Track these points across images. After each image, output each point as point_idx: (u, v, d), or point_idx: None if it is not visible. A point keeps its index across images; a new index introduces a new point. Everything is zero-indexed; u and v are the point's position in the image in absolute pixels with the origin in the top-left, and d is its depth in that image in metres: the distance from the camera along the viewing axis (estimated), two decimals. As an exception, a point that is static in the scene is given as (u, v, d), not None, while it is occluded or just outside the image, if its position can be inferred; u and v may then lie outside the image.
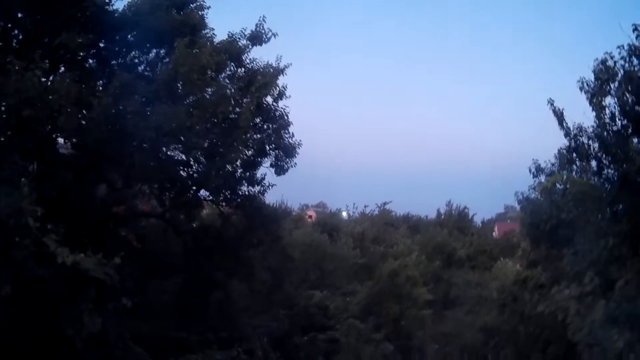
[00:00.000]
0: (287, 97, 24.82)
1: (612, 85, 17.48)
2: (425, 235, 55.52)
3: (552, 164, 20.98)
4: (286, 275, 30.82)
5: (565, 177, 19.36)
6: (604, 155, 18.78)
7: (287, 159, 25.16)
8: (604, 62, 17.29)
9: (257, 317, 27.06)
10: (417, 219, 67.53)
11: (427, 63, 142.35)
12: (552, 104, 19.43)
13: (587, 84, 17.83)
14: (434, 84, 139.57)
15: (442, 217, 66.37)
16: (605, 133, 18.09)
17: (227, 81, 23.75)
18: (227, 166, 23.39)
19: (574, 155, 19.73)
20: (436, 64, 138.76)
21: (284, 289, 30.31)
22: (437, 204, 69.36)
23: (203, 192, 25.09)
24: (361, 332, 29.76)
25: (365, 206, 58.52)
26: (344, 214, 61.69)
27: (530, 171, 20.52)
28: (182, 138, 21.20)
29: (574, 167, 20.08)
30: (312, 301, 32.72)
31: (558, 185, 20.40)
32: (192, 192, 24.49)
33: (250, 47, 24.07)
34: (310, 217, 58.89)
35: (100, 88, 20.99)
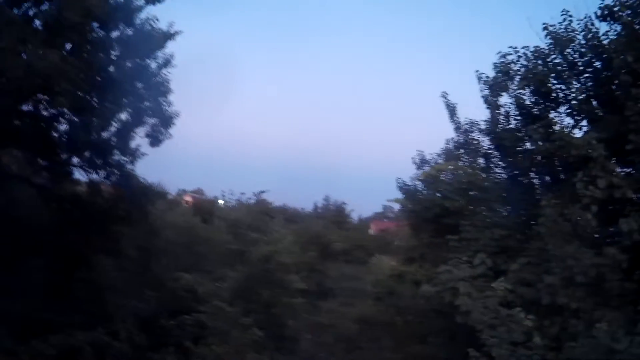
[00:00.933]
0: (173, 65, 23.91)
1: (509, 83, 17.20)
2: (301, 226, 55.02)
3: (439, 155, 20.79)
4: (156, 255, 29.44)
5: (452, 167, 19.19)
6: (494, 153, 18.75)
7: (164, 130, 23.94)
8: (506, 55, 16.97)
9: (124, 297, 25.26)
10: (293, 211, 67.03)
11: (319, 53, 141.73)
12: (445, 97, 19.29)
13: (486, 77, 17.48)
14: (320, 78, 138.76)
15: (319, 210, 66.45)
16: (498, 130, 17.87)
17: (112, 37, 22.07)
18: (100, 130, 21.81)
19: (462, 150, 19.66)
20: (329, 55, 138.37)
21: (153, 269, 28.78)
22: (315, 198, 69.17)
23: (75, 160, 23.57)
24: (229, 316, 28.51)
25: (241, 193, 57.37)
26: (221, 201, 60.45)
27: (414, 162, 20.24)
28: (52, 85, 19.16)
29: (460, 162, 20.06)
30: (181, 283, 31.23)
31: (443, 177, 20.27)
32: (63, 156, 22.62)
33: (144, 5, 22.56)
34: (187, 202, 57.85)
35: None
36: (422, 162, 20.86)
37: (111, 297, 24.21)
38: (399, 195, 21.54)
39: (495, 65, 17.10)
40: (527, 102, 16.96)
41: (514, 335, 12.33)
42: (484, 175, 19.23)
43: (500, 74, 17.07)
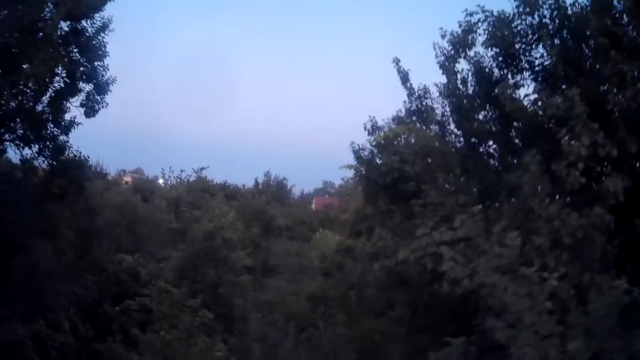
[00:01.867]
0: (110, 30, 22.11)
1: (473, 41, 16.59)
2: (242, 202, 53.57)
3: (392, 120, 19.62)
4: (95, 237, 27.39)
5: (409, 131, 18.00)
6: (449, 119, 18.19)
7: (100, 98, 22.14)
8: (472, 14, 16.25)
9: (63, 283, 23.19)
10: (234, 188, 65.38)
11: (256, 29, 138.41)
12: (397, 63, 18.32)
13: (451, 34, 16.70)
14: (263, 50, 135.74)
15: (260, 186, 65.17)
16: (454, 97, 17.39)
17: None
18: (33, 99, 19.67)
19: (414, 117, 18.85)
20: (263, 27, 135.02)
21: (93, 252, 26.80)
22: (255, 175, 67.66)
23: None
24: (175, 298, 26.79)
25: (181, 171, 55.68)
26: (161, 181, 58.84)
27: (365, 128, 19.13)
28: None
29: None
30: (122, 266, 29.27)
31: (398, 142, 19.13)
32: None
33: None
34: (127, 182, 56.26)
35: None
36: (374, 129, 19.51)
37: (50, 284, 22.07)
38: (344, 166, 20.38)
39: (460, 24, 16.42)
40: (488, 66, 16.58)
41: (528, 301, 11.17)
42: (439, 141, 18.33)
43: (465, 32, 16.40)
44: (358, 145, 19.35)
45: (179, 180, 55.93)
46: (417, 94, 18.60)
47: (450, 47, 16.94)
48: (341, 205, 56.72)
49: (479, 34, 16.34)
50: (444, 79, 17.59)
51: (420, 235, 13.44)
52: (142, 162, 67.59)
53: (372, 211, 20.95)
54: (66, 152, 22.36)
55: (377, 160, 18.72)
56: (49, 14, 19.36)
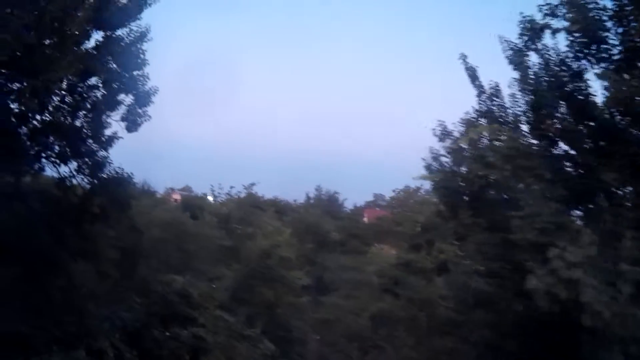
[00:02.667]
0: (148, 39, 20.74)
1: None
2: (295, 217, 52.23)
3: (462, 123, 17.87)
4: (141, 257, 25.90)
5: (493, 130, 16.17)
6: (523, 118, 16.58)
7: (141, 111, 20.84)
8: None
9: (107, 306, 21.76)
10: (285, 203, 64.11)
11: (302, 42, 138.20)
12: (464, 60, 17.27)
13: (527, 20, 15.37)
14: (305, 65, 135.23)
15: (312, 201, 63.81)
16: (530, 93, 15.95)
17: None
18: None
19: (484, 119, 17.05)
20: (312, 42, 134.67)
21: (139, 272, 25.26)
22: (306, 189, 66.25)
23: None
24: (232, 327, 25.14)
25: (231, 187, 54.48)
26: (210, 198, 57.84)
27: (434, 134, 17.38)
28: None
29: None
30: (173, 287, 27.68)
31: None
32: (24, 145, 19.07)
33: None
34: (175, 200, 55.78)
35: None
36: (444, 134, 17.80)
37: (92, 307, 20.69)
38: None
39: (540, 7, 15.17)
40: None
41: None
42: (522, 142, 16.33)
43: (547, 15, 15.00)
44: (435, 151, 17.78)
45: (228, 196, 54.60)
46: (487, 92, 17.26)
47: (523, 38, 15.58)
48: (394, 217, 55.22)
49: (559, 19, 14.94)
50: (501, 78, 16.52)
51: (552, 257, 11.35)
52: (191, 179, 66.33)
53: (455, 224, 18.94)
54: (106, 169, 21.06)
55: (453, 167, 17.06)
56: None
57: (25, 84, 16.61)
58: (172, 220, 35.33)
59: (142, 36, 20.45)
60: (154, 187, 50.46)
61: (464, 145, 16.03)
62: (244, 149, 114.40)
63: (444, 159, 17.84)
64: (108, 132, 20.82)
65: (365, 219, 66.80)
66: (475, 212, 16.06)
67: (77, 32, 16.54)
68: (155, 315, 25.16)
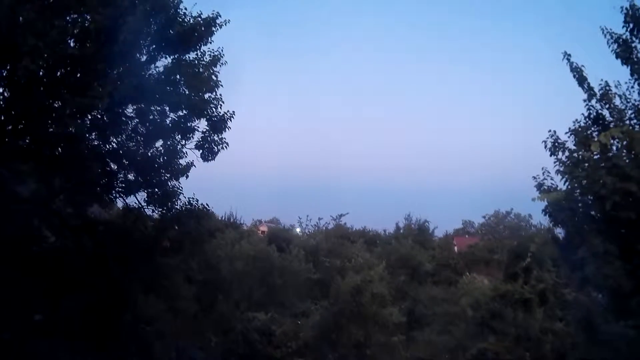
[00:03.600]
0: (222, 63, 19.75)
1: None
2: (386, 248, 50.18)
3: (572, 134, 15.65)
4: (221, 292, 24.76)
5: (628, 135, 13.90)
6: None
7: (217, 137, 19.71)
8: None
9: (179, 343, 20.70)
10: (374, 233, 62.23)
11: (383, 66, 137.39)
12: (568, 60, 15.08)
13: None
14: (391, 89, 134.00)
15: (402, 230, 61.63)
16: None
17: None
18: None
19: (596, 127, 15.02)
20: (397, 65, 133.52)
21: (218, 308, 24.10)
22: (392, 219, 64.10)
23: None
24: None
25: (319, 219, 53.21)
26: (297, 229, 56.63)
27: (545, 146, 15.21)
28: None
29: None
30: (254, 324, 26.34)
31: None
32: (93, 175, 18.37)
33: None
34: (262, 232, 53.68)
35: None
36: (555, 147, 15.47)
37: (162, 344, 19.61)
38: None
39: None
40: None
41: None
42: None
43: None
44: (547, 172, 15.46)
45: (316, 228, 53.02)
46: (599, 94, 15.08)
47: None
48: (486, 244, 53.03)
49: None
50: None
51: None
52: (279, 211, 65.83)
53: (585, 253, 16.36)
54: (179, 200, 20.05)
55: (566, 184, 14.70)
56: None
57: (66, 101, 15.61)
58: (257, 253, 33.76)
59: (215, 61, 19.49)
60: (239, 219, 50.17)
61: (593, 154, 13.68)
62: (329, 180, 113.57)
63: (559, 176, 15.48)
64: (182, 161, 19.90)
65: (456, 248, 64.21)
66: (607, 237, 13.77)
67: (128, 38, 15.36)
68: (233, 354, 24.01)
